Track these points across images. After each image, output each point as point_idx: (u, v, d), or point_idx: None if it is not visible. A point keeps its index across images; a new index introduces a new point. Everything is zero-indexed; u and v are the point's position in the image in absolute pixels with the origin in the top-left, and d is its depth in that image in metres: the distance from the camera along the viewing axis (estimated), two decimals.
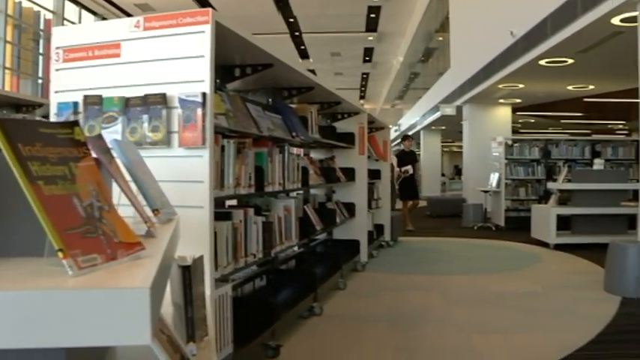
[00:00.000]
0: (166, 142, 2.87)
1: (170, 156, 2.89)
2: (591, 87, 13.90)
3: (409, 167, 12.31)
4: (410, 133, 28.83)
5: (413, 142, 13.67)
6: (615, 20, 7.57)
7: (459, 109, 17.07)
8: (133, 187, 1.77)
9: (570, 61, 10.44)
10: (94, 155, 1.39)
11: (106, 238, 1.14)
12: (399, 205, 12.81)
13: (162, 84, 2.93)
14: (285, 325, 4.43)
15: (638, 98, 6.54)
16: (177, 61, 2.92)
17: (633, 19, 6.92)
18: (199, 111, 2.81)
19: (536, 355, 4.16)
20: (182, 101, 2.84)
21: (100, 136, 1.59)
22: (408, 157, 12.71)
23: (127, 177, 1.73)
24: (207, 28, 2.87)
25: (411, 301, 5.90)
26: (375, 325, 4.95)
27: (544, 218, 9.76)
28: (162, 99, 2.88)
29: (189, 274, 1.89)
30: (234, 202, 4.38)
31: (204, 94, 2.83)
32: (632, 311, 5.40)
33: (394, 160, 12.16)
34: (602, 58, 10.08)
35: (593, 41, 8.81)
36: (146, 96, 2.90)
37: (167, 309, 1.96)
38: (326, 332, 4.75)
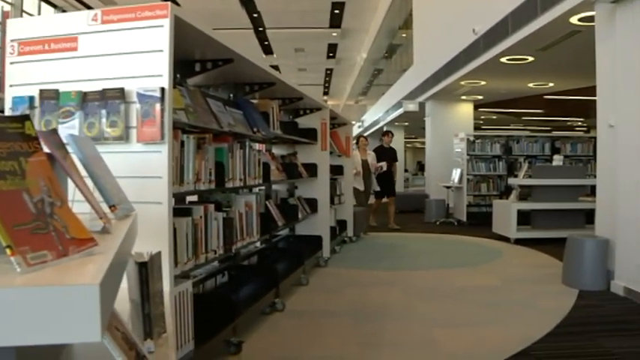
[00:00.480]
0: (124, 138, 2.83)
1: (128, 151, 2.85)
2: (551, 84, 14.10)
3: (383, 163, 11.92)
4: (373, 129, 29.04)
5: (392, 139, 13.00)
6: (573, 19, 7.70)
7: (422, 105, 17.19)
8: (90, 183, 1.74)
9: (531, 58, 10.59)
10: (46, 150, 1.37)
11: (57, 234, 1.12)
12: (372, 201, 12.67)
13: (120, 78, 2.89)
14: (247, 321, 4.42)
15: (595, 96, 6.66)
16: (136, 56, 2.89)
17: (590, 19, 7.04)
18: (158, 106, 2.78)
19: (497, 347, 4.21)
20: (140, 96, 2.81)
21: (53, 131, 1.57)
22: (386, 153, 12.39)
23: (83, 173, 1.71)
24: (166, 23, 2.84)
25: (373, 297, 5.93)
26: (337, 321, 4.96)
27: (505, 213, 9.89)
28: (121, 94, 2.84)
29: (146, 270, 1.88)
30: (195, 198, 4.36)
31: (162, 89, 2.80)
32: (588, 303, 5.52)
33: (370, 157, 11.82)
34: (561, 57, 10.24)
35: (553, 40, 8.95)
36: (104, 90, 2.85)
37: (124, 306, 1.94)
38: (288, 328, 4.75)
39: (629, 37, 5.78)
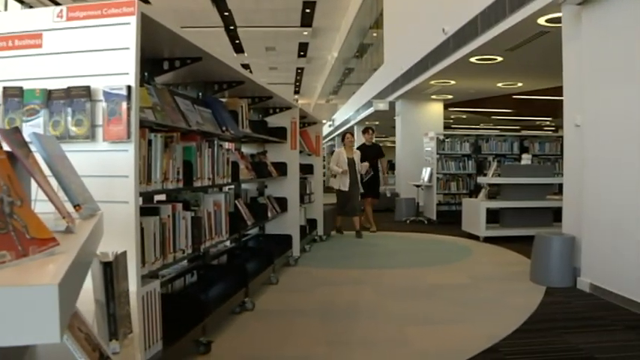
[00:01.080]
0: (90, 136, 2.80)
1: (94, 150, 2.81)
2: (520, 84, 14.25)
3: (365, 164, 11.01)
4: (344, 128, 29.06)
5: (374, 135, 12.13)
6: (541, 20, 7.80)
7: (392, 104, 17.26)
8: (54, 182, 1.72)
9: (499, 58, 10.69)
10: (6, 149, 1.35)
11: (16, 234, 1.11)
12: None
13: (86, 76, 2.85)
14: (216, 320, 4.40)
15: (562, 96, 6.75)
16: (102, 53, 2.85)
17: (558, 20, 7.13)
18: (124, 104, 2.75)
19: (466, 344, 4.25)
20: (106, 94, 2.78)
21: (15, 129, 1.54)
22: (370, 151, 11.69)
23: (47, 172, 1.69)
24: (133, 20, 2.80)
25: (343, 295, 5.94)
26: (307, 320, 4.97)
27: (474, 212, 9.97)
28: (86, 92, 2.80)
29: (111, 270, 1.86)
30: (163, 197, 4.33)
31: (129, 87, 2.76)
32: (555, 300, 5.59)
33: (357, 155, 10.81)
34: (529, 57, 10.36)
35: (521, 40, 9.05)
36: (69, 88, 2.81)
37: (89, 306, 1.92)
38: (258, 327, 4.73)
39: (594, 38, 5.87)
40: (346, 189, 10.43)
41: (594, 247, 5.86)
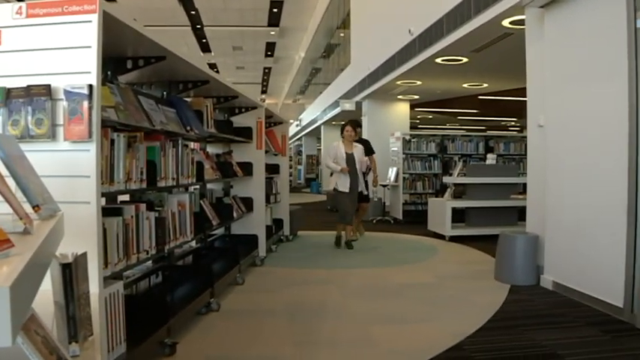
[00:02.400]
0: (51, 136, 2.75)
1: (55, 150, 2.76)
2: (485, 85, 14.41)
3: (365, 158, 9.51)
4: (311, 128, 29.10)
5: (359, 131, 9.92)
6: (505, 22, 7.91)
7: (359, 104, 17.32)
8: (12, 182, 1.69)
9: (465, 59, 10.80)
10: None
11: None
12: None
13: (46, 75, 2.80)
14: (181, 322, 4.37)
15: (526, 97, 6.84)
16: (63, 51, 2.80)
17: (521, 22, 7.24)
18: (85, 103, 2.71)
19: (431, 342, 4.28)
20: (67, 93, 2.73)
21: None
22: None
23: (4, 172, 1.66)
24: (94, 18, 2.76)
25: (310, 295, 5.94)
26: (273, 320, 4.95)
27: (440, 211, 10.05)
28: (47, 90, 2.75)
29: (70, 271, 1.83)
30: (127, 197, 4.29)
31: (90, 86, 2.72)
32: (519, 298, 5.66)
33: (358, 150, 9.23)
34: (494, 58, 10.48)
35: (486, 41, 9.16)
36: (29, 87, 2.76)
37: (49, 308, 1.89)
38: (224, 328, 4.71)
39: (556, 40, 5.96)
40: (347, 190, 8.94)
41: (557, 245, 5.95)
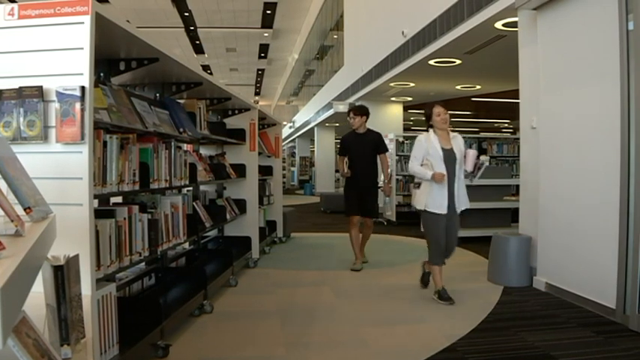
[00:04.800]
0: (43, 138, 2.74)
1: (47, 152, 2.75)
2: (478, 87, 14.45)
3: (346, 161, 7.77)
4: (304, 130, 29.11)
5: (365, 119, 7.66)
6: (498, 24, 7.93)
7: (352, 106, 17.31)
8: (3, 184, 1.69)
9: (458, 61, 10.82)
10: None
11: None
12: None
13: (38, 76, 2.79)
14: (174, 324, 4.35)
15: (519, 99, 6.85)
16: (55, 53, 2.79)
17: (514, 24, 7.26)
18: (78, 105, 2.70)
19: (424, 344, 4.28)
20: (60, 95, 2.72)
21: None
22: (361, 143, 7.64)
23: None
24: (87, 19, 2.75)
25: (302, 297, 5.94)
26: (266, 322, 4.94)
27: None
28: (39, 92, 2.74)
29: (62, 274, 1.82)
30: (120, 199, 4.29)
31: (82, 88, 2.72)
32: (512, 299, 5.67)
33: (458, 143, 5.81)
34: (487, 60, 10.50)
35: (479, 43, 9.18)
36: (21, 88, 2.75)
37: (41, 311, 1.89)
38: (217, 330, 4.70)
39: (549, 42, 5.97)
40: (443, 211, 5.61)
41: (550, 247, 5.96)
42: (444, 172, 5.53)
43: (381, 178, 8.00)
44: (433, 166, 5.57)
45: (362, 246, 7.79)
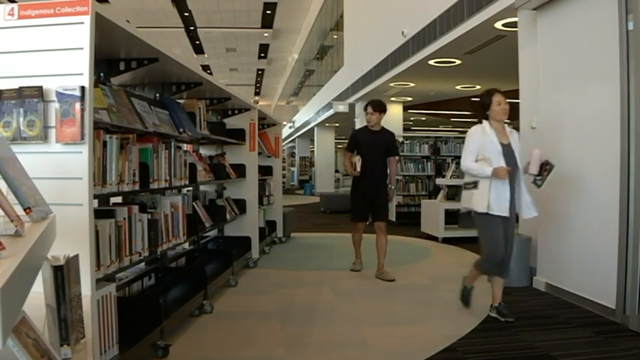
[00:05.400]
0: (43, 138, 2.74)
1: (47, 152, 2.75)
2: (478, 87, 14.43)
3: (357, 159, 7.00)
4: (304, 130, 29.11)
5: (382, 115, 7.11)
6: (498, 25, 7.94)
7: (352, 106, 17.34)
8: (3, 184, 1.69)
9: (458, 61, 10.83)
10: None
11: None
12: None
13: (38, 76, 2.79)
14: (174, 324, 4.35)
15: (519, 99, 6.85)
16: (55, 53, 2.79)
17: (514, 25, 7.27)
18: (78, 105, 2.70)
19: (424, 344, 4.28)
20: (60, 95, 2.72)
21: None
22: (376, 142, 7.06)
23: None
24: (87, 19, 2.75)
25: (302, 297, 5.94)
26: (266, 322, 4.94)
27: (433, 213, 10.06)
28: (39, 92, 2.74)
29: (62, 274, 1.82)
30: (120, 199, 4.29)
31: (82, 88, 2.71)
32: (512, 299, 5.66)
33: (516, 138, 5.11)
34: (487, 60, 10.52)
35: (479, 44, 9.19)
36: (21, 88, 2.75)
37: (41, 311, 1.89)
38: (217, 330, 4.70)
39: (549, 42, 5.98)
40: (505, 213, 4.88)
41: (550, 247, 5.96)
42: (508, 168, 4.79)
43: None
44: (491, 162, 4.85)
45: (382, 259, 7.05)
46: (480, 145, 4.96)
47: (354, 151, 7.11)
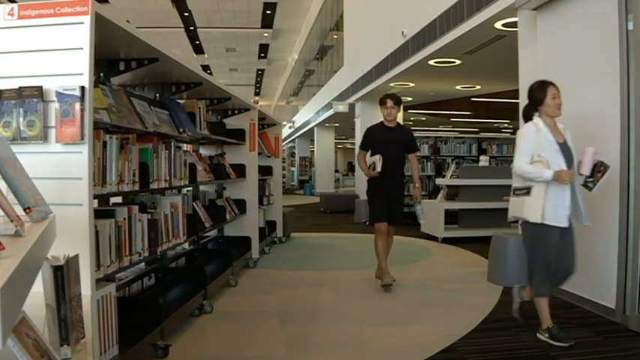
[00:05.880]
0: (43, 138, 2.74)
1: (47, 152, 2.75)
2: (478, 87, 14.45)
3: (373, 159, 6.44)
4: (304, 130, 29.10)
5: (397, 109, 6.59)
6: (498, 25, 7.93)
7: (352, 106, 17.33)
8: (3, 184, 1.69)
9: (458, 61, 10.82)
10: None
11: None
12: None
13: (38, 76, 2.79)
14: (174, 324, 4.35)
15: (519, 99, 6.85)
16: (55, 53, 2.79)
17: (514, 25, 7.26)
18: (78, 105, 2.70)
19: (424, 344, 4.28)
20: (59, 95, 2.72)
21: None
22: (392, 138, 6.53)
23: None
24: (87, 19, 2.75)
25: (302, 297, 5.94)
26: (266, 322, 4.94)
27: (433, 213, 10.04)
28: (39, 92, 2.74)
29: (62, 274, 1.82)
30: (120, 199, 4.28)
31: (82, 88, 2.72)
32: (511, 300, 5.65)
33: (569, 138, 4.57)
34: (487, 60, 10.50)
35: (479, 44, 9.18)
36: (21, 89, 2.75)
37: (41, 311, 1.89)
38: (217, 330, 4.70)
39: (549, 42, 5.97)
40: (565, 224, 4.37)
41: None
42: (570, 171, 4.23)
43: None
44: (549, 164, 4.26)
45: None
46: (536, 145, 4.31)
47: (368, 150, 6.60)
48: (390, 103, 6.46)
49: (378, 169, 6.29)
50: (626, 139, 4.76)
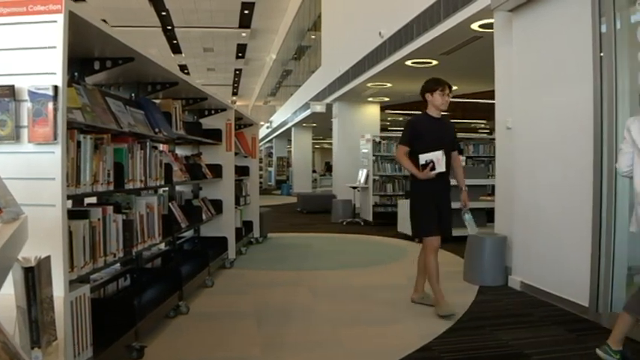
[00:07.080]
0: (14, 137, 2.71)
1: (19, 152, 2.72)
2: (455, 87, 14.45)
3: (433, 156, 5.18)
4: (282, 130, 29.08)
5: (448, 98, 5.55)
6: (474, 26, 7.99)
7: (330, 106, 17.36)
8: None
9: (434, 62, 10.89)
10: None
11: None
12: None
13: (10, 75, 2.75)
14: (150, 325, 4.32)
15: (494, 99, 6.90)
16: (28, 52, 2.76)
17: (490, 26, 7.32)
18: (50, 105, 2.67)
19: (400, 343, 4.30)
20: (32, 94, 2.69)
21: None
22: (439, 131, 5.45)
23: None
24: (60, 18, 2.72)
25: (278, 297, 5.93)
26: (242, 322, 4.93)
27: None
28: (10, 91, 2.71)
29: (33, 275, 1.80)
30: (94, 199, 4.25)
31: (55, 87, 2.69)
32: (487, 299, 5.72)
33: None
34: (464, 61, 10.58)
35: (455, 44, 9.24)
36: None
37: (12, 313, 1.87)
38: (193, 331, 4.68)
39: (524, 43, 6.03)
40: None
41: (524, 246, 6.02)
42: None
43: None
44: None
45: (422, 279, 5.73)
46: (634, 142, 3.54)
47: (411, 146, 5.37)
48: (447, 89, 5.50)
49: (442, 169, 5.19)
50: (599, 139, 4.81)
